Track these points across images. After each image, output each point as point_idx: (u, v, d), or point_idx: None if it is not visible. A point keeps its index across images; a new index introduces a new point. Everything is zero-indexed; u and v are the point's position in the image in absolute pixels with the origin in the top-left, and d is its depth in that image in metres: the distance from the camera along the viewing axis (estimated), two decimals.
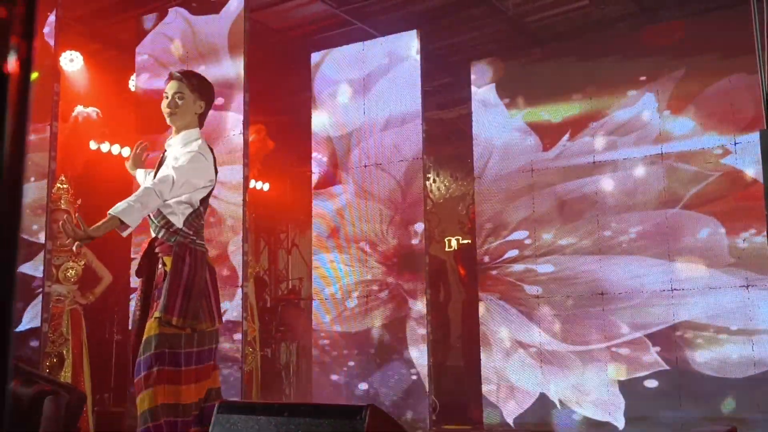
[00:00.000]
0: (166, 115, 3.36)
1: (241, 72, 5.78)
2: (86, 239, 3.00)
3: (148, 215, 3.28)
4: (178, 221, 3.24)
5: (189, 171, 3.22)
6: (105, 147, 7.26)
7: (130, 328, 3.34)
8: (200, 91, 3.38)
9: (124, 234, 3.11)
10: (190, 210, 3.27)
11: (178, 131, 3.37)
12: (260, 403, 2.06)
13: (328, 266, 6.88)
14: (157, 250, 3.27)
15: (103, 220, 3.05)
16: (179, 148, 3.34)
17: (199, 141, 3.35)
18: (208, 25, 6.05)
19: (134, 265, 3.53)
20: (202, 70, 6.00)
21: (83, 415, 5.28)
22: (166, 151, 3.45)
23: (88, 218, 3.06)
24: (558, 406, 6.27)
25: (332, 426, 2.01)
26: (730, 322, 5.80)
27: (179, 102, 3.33)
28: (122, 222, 3.01)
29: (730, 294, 5.82)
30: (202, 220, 3.33)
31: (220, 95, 5.92)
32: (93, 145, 7.19)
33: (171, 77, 3.38)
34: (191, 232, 3.26)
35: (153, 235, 3.32)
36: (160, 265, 3.26)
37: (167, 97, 3.35)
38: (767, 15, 3.14)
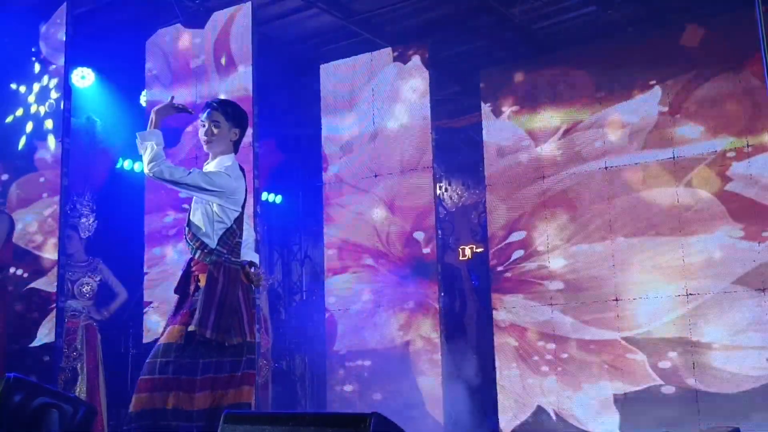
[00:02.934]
0: (203, 143, 3.57)
1: (250, 84, 5.81)
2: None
3: (186, 238, 3.49)
4: (211, 242, 3.40)
5: (212, 173, 3.43)
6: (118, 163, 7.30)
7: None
8: (235, 119, 3.57)
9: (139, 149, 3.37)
10: (224, 228, 3.42)
11: (214, 157, 3.58)
12: (265, 413, 2.06)
13: (340, 277, 6.88)
14: (193, 269, 3.43)
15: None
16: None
17: (229, 163, 3.53)
18: (216, 38, 6.09)
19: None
20: (213, 83, 6.06)
21: (97, 430, 5.29)
22: None
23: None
24: (574, 417, 6.22)
25: None
26: (746, 328, 5.74)
27: (215, 130, 3.53)
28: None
29: (747, 299, 5.76)
30: (237, 238, 3.45)
31: None
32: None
33: (207, 106, 3.60)
34: (225, 251, 3.40)
35: (191, 255, 3.48)
36: (193, 283, 3.41)
37: (204, 126, 3.55)
38: None
